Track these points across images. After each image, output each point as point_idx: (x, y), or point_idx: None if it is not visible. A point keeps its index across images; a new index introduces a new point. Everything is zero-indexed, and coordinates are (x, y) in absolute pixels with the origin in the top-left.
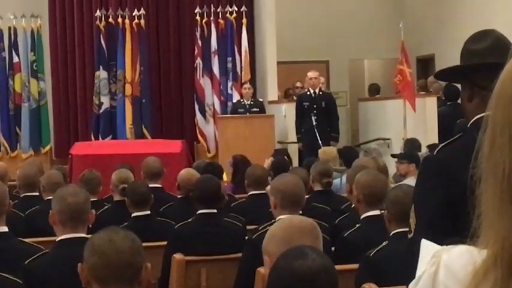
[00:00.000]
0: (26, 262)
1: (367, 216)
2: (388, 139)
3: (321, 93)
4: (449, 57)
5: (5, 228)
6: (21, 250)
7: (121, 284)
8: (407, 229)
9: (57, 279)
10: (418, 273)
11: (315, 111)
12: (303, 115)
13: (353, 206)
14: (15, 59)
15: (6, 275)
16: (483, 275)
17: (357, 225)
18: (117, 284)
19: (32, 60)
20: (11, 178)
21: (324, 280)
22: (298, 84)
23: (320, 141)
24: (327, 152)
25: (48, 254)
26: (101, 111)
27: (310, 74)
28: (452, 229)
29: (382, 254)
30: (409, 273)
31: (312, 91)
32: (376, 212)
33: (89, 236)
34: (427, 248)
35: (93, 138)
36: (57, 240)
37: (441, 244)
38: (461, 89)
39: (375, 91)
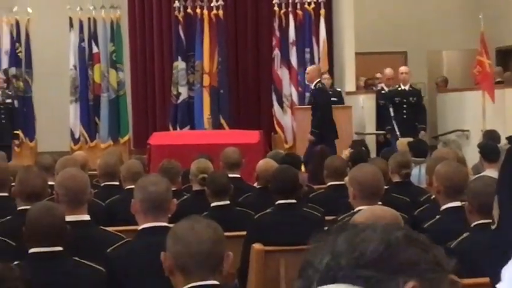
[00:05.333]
0: (109, 250)
1: (448, 208)
2: (467, 130)
3: (411, 88)
4: None
5: (87, 217)
6: (104, 238)
7: (204, 272)
8: (488, 220)
9: (140, 268)
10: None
11: (404, 105)
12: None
13: (433, 197)
14: (95, 50)
15: (89, 263)
16: None
17: (437, 217)
18: (200, 273)
19: (111, 51)
20: (91, 167)
21: None
22: (378, 75)
23: (398, 133)
24: (405, 144)
25: (131, 243)
26: (179, 101)
27: (402, 69)
28: None
29: (463, 245)
30: (493, 264)
31: (402, 87)
32: (457, 204)
33: (170, 225)
34: None
35: (171, 128)
36: (139, 229)
37: None
38: None
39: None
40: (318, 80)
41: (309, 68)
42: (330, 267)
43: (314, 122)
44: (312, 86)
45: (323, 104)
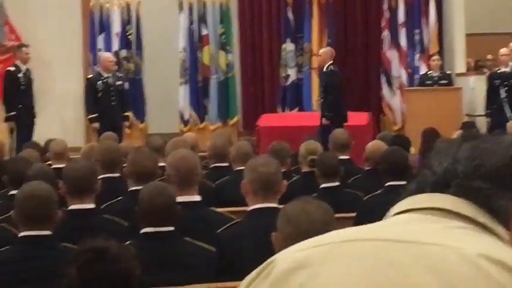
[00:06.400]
0: (219, 231)
1: None
2: None
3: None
4: None
5: (198, 198)
6: (214, 219)
7: None
8: None
9: (250, 248)
10: None
11: (506, 88)
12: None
13: None
14: (204, 32)
15: (200, 243)
16: None
17: None
18: None
19: (220, 33)
20: (200, 149)
21: None
22: (489, 56)
23: (510, 114)
24: None
25: (241, 223)
26: (287, 83)
27: (501, 51)
28: None
29: None
30: None
31: (502, 69)
32: None
33: (280, 206)
34: None
35: (279, 110)
36: (248, 209)
37: None
38: None
39: None
40: (330, 62)
41: (322, 51)
42: (447, 170)
43: (328, 105)
44: (324, 69)
45: (336, 86)
